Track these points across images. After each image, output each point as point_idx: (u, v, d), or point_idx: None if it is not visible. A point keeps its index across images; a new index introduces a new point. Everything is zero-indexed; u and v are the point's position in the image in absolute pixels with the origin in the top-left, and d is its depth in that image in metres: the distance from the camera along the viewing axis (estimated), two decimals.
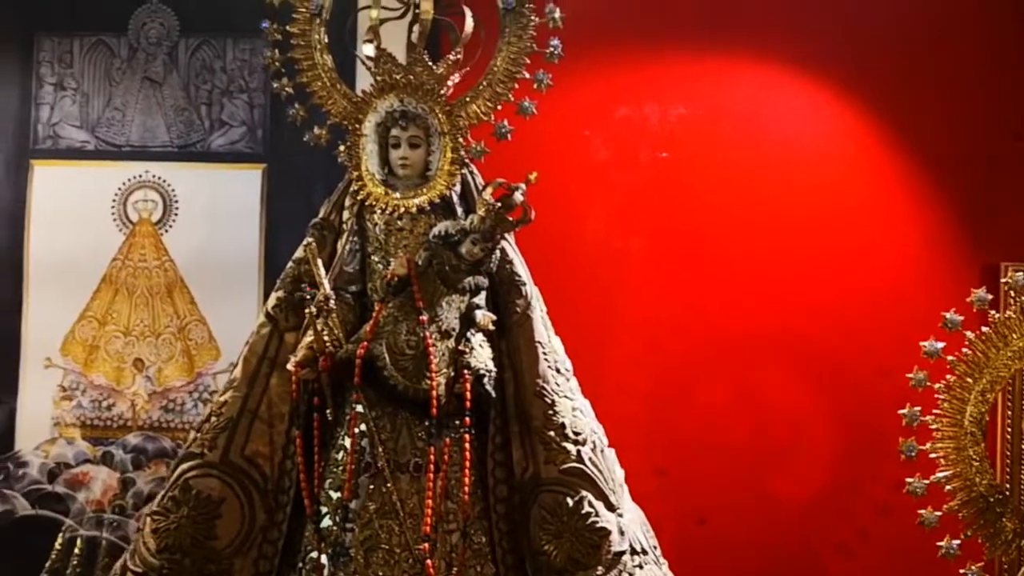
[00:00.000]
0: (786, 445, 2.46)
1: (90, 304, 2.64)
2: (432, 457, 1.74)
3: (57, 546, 2.53)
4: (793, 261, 2.48)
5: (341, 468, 1.82)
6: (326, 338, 1.79)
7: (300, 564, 1.82)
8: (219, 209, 2.61)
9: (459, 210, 1.90)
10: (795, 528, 2.46)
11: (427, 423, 1.79)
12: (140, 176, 2.62)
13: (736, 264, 2.48)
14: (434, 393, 1.74)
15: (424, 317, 1.77)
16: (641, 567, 1.79)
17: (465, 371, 1.77)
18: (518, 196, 1.81)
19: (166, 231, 2.63)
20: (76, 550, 2.53)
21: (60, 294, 2.63)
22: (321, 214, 1.96)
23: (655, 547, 1.86)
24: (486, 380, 1.79)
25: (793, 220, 2.49)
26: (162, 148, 2.62)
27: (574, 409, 1.83)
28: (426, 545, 1.72)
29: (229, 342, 2.62)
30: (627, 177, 2.53)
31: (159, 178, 2.62)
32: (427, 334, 1.76)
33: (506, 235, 1.86)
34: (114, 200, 2.62)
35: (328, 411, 1.81)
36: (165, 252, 2.64)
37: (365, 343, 1.76)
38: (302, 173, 2.59)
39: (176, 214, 2.62)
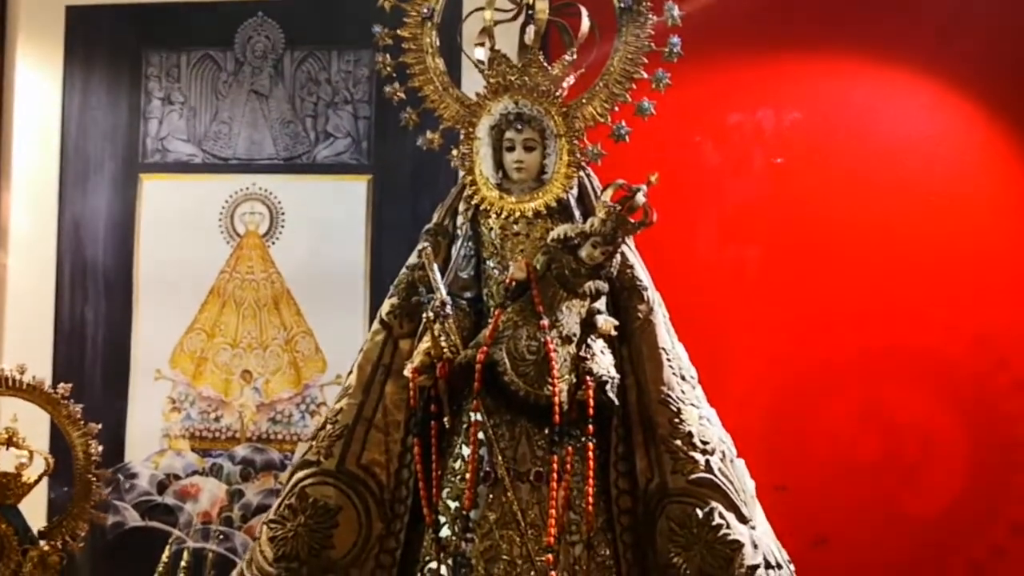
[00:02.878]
0: (915, 461, 2.35)
1: (198, 316, 2.65)
2: (555, 466, 1.68)
3: (164, 558, 2.53)
4: (921, 270, 2.37)
5: (459, 477, 1.77)
6: (443, 344, 1.74)
7: (418, 574, 1.78)
8: (325, 221, 2.61)
9: (576, 214, 1.85)
10: (924, 547, 2.33)
11: (547, 431, 1.73)
12: (247, 189, 2.63)
13: (860, 274, 2.38)
14: (556, 400, 1.68)
15: (545, 322, 1.71)
16: None
17: (587, 377, 1.71)
18: (640, 198, 1.75)
19: (273, 243, 2.64)
20: (183, 563, 2.52)
21: (169, 307, 2.65)
22: (434, 219, 1.92)
23: (788, 562, 1.78)
24: (609, 387, 1.73)
25: (920, 228, 2.38)
26: (268, 160, 2.63)
27: (701, 418, 1.76)
28: (550, 556, 1.66)
29: (336, 354, 2.61)
30: (741, 184, 2.45)
31: (265, 190, 2.63)
32: (548, 339, 1.70)
33: (627, 238, 1.80)
34: (221, 213, 2.64)
35: (445, 419, 1.77)
36: (272, 264, 2.64)
37: (485, 348, 1.71)
38: (407, 184, 2.57)
39: (282, 226, 2.63)
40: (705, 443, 1.73)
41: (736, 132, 2.46)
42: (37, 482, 2.10)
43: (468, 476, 1.70)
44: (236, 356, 2.64)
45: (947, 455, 2.34)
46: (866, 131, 2.43)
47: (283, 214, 2.62)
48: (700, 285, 2.38)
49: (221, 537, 2.57)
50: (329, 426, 1.84)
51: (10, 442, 2.08)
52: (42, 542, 2.04)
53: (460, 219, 1.89)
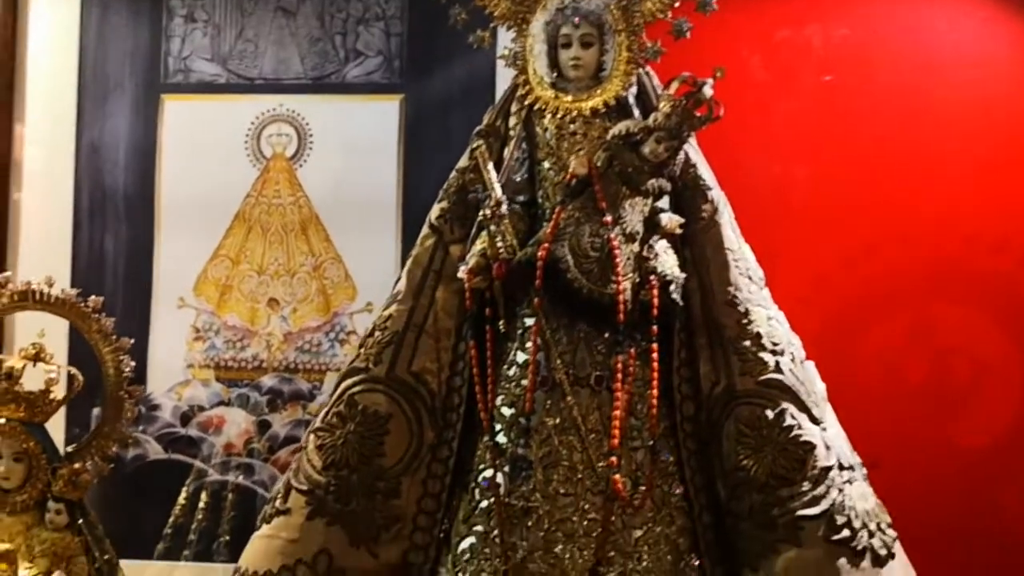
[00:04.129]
0: (966, 387, 2.28)
1: (223, 243, 2.56)
2: (619, 366, 1.61)
3: (185, 493, 2.47)
4: (973, 188, 2.29)
5: (514, 383, 1.70)
6: (499, 244, 1.67)
7: (473, 484, 1.71)
8: (355, 142, 2.51)
9: (635, 112, 1.77)
10: (975, 474, 2.27)
11: (608, 335, 1.66)
12: (273, 110, 2.54)
13: (909, 192, 2.30)
14: (621, 298, 1.61)
15: (608, 218, 1.64)
16: (850, 483, 1.64)
17: (651, 277, 1.64)
18: (707, 90, 1.68)
19: (300, 166, 2.55)
20: (204, 496, 2.45)
21: (192, 233, 2.56)
22: (485, 121, 1.84)
23: (861, 465, 1.71)
24: (673, 287, 1.66)
25: (970, 146, 2.30)
26: (296, 80, 2.54)
27: (769, 318, 1.69)
28: (613, 459, 1.59)
29: (366, 281, 2.52)
30: (788, 102, 2.37)
31: (293, 111, 2.54)
32: (612, 236, 1.62)
33: (691, 135, 1.72)
34: (247, 135, 2.54)
35: (500, 323, 1.70)
36: (299, 188, 2.55)
37: (546, 245, 1.63)
38: (441, 104, 2.48)
39: (310, 148, 2.54)
40: (775, 344, 1.66)
41: (784, 49, 2.38)
42: (66, 399, 2.02)
43: (529, 377, 1.63)
44: (262, 284, 2.55)
45: (1000, 380, 2.28)
46: (916, 48, 2.35)
47: (311, 136, 2.53)
48: (745, 204, 2.30)
49: (249, 469, 2.49)
50: (378, 333, 1.76)
51: (37, 358, 2.00)
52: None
53: (513, 120, 1.81)
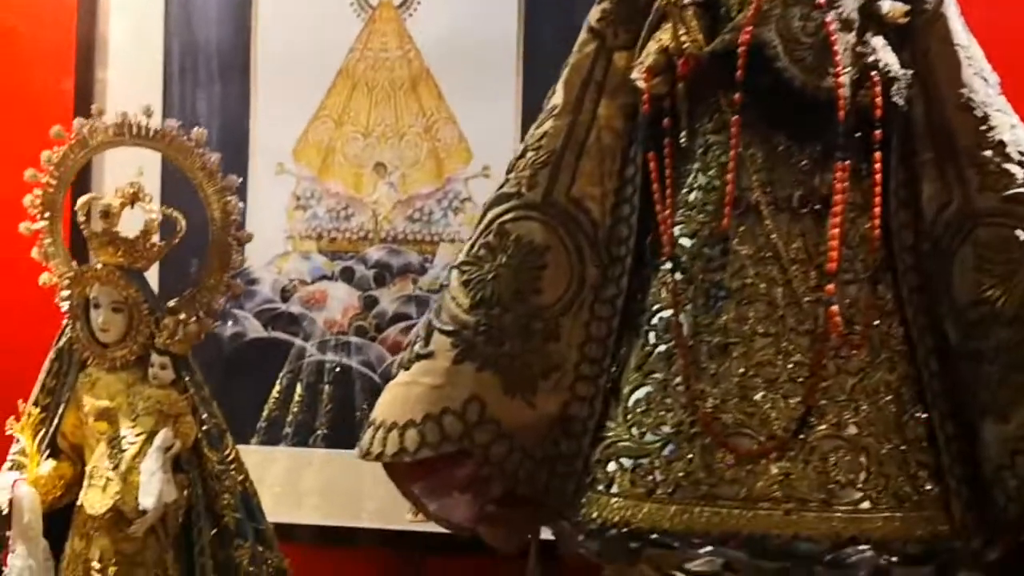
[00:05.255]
0: None
1: (325, 102, 2.31)
2: (839, 174, 1.34)
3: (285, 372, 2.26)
4: None
5: (695, 209, 1.45)
6: (684, 37, 1.40)
7: (646, 327, 1.46)
8: None
9: None
10: None
11: (809, 149, 1.40)
12: None
13: None
14: (841, 92, 1.34)
15: (822, 0, 1.36)
16: None
17: (872, 73, 1.37)
18: None
19: (410, 15, 2.29)
20: (306, 375, 2.25)
21: (291, 92, 2.30)
22: None
23: None
24: (896, 88, 1.39)
25: None
26: None
27: (1013, 126, 1.40)
28: (831, 287, 1.33)
29: (482, 143, 2.25)
30: None
31: None
32: (827, 20, 1.35)
33: None
34: None
35: (682, 135, 1.44)
36: (409, 40, 2.29)
37: (749, 28, 1.36)
38: None
39: None
40: (1022, 154, 1.39)
41: None
42: (169, 245, 1.81)
43: (728, 187, 1.37)
44: (368, 147, 2.30)
45: None
46: None
47: None
48: None
49: (356, 348, 2.27)
50: (531, 153, 1.51)
51: (135, 199, 1.78)
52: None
53: None
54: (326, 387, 2.26)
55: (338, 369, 2.25)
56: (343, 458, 2.20)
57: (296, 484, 2.24)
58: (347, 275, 2.29)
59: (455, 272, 1.50)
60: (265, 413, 2.27)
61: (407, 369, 1.49)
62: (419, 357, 1.47)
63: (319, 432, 2.26)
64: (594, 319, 1.48)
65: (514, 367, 1.44)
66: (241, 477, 1.79)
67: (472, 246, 1.51)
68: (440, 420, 1.43)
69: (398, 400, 1.47)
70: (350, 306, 2.28)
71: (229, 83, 2.35)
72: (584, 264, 1.48)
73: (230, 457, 1.79)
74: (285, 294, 2.30)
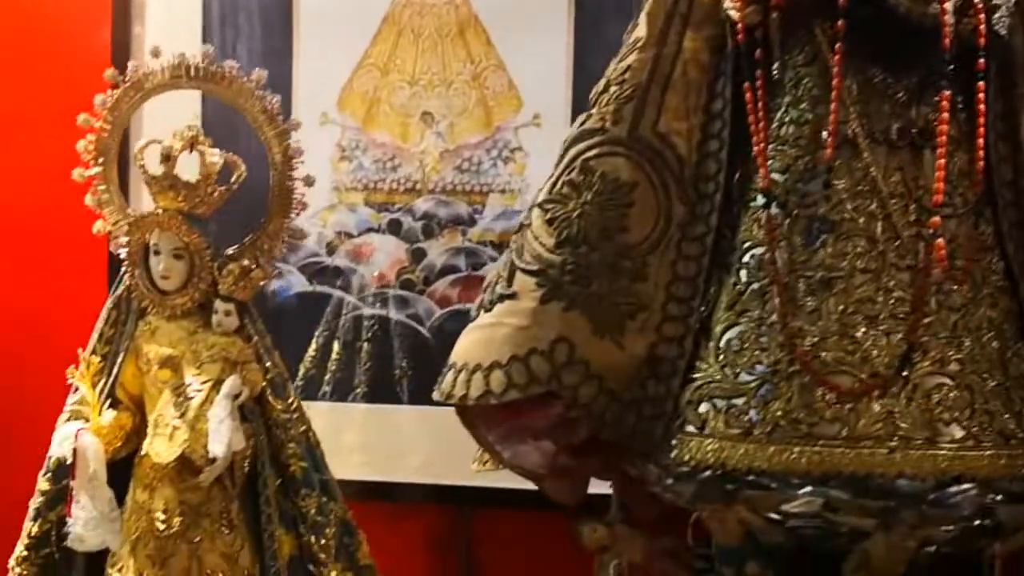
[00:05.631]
0: None
1: (370, 50, 2.25)
2: (945, 103, 1.30)
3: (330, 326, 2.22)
4: None
5: (788, 144, 1.40)
6: None
7: (737, 264, 1.43)
8: None
9: None
10: None
11: (907, 81, 1.36)
12: None
13: None
14: (946, 18, 1.29)
15: None
16: None
17: (976, 1, 1.32)
18: None
19: None
20: (351, 327, 2.20)
21: (335, 41, 2.24)
22: None
23: None
24: (998, 16, 1.34)
25: None
26: None
27: None
28: (937, 219, 1.29)
29: (532, 90, 2.19)
30: None
31: None
32: None
33: None
34: None
35: (774, 67, 1.40)
36: None
37: None
38: None
39: None
40: None
41: None
42: (230, 191, 1.76)
43: (831, 116, 1.32)
44: (415, 96, 2.25)
45: None
46: None
47: None
48: None
49: (403, 302, 2.22)
50: (615, 88, 1.45)
51: (195, 143, 1.74)
52: None
53: None
54: (368, 343, 2.22)
55: (384, 323, 2.21)
56: (385, 413, 2.18)
57: (342, 440, 2.20)
58: (394, 227, 2.25)
59: (537, 211, 1.46)
60: (303, 369, 2.23)
61: (488, 310, 1.45)
62: (502, 298, 1.43)
63: (359, 389, 2.23)
64: (681, 258, 1.44)
65: (602, 307, 1.40)
66: (304, 427, 1.76)
67: (554, 184, 1.46)
68: (527, 361, 1.39)
69: (481, 342, 1.43)
70: (397, 259, 2.23)
71: (271, 32, 2.28)
72: (671, 201, 1.44)
73: (294, 406, 1.76)
74: (330, 247, 2.26)
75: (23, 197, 2.30)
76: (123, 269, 1.76)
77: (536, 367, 1.39)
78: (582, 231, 1.42)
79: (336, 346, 2.22)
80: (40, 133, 2.27)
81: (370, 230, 2.24)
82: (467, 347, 1.45)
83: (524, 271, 1.43)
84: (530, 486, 2.05)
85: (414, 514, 2.17)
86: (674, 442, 1.39)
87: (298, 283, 2.26)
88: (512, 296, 1.43)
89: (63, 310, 2.25)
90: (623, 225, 1.42)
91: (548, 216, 1.43)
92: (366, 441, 2.20)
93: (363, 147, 2.27)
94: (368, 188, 2.26)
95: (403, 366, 2.20)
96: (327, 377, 2.21)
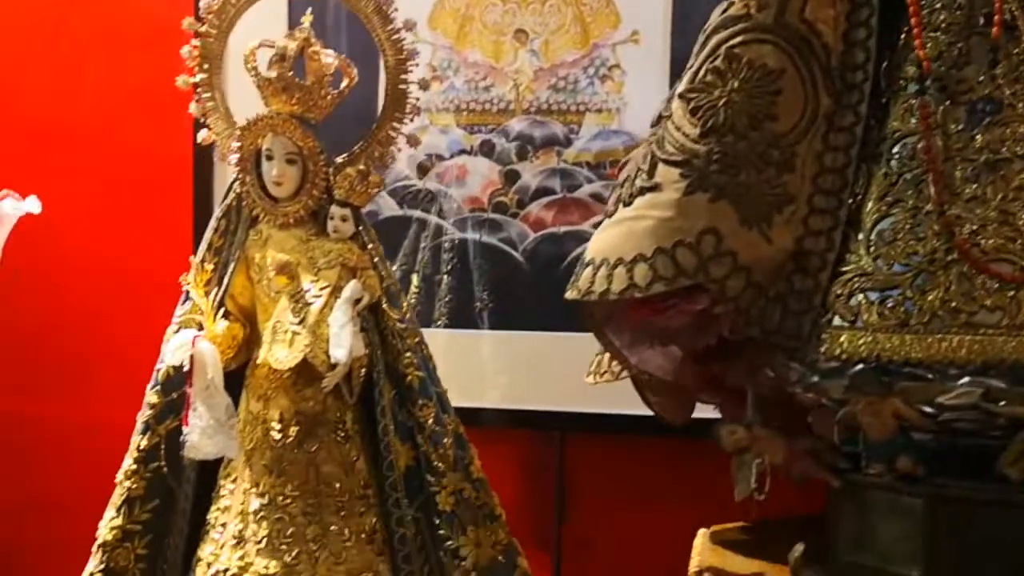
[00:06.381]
0: None
1: None
2: None
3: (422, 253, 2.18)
4: None
5: (940, 30, 1.34)
6: None
7: (887, 154, 1.36)
8: None
9: None
10: None
11: None
12: None
13: None
14: None
15: None
16: None
17: None
18: None
19: None
20: (444, 254, 2.17)
21: None
22: None
23: None
24: None
25: None
26: None
27: None
28: None
29: (630, 5, 2.13)
30: None
31: None
32: None
33: None
34: None
35: None
36: None
37: None
38: None
39: None
40: None
41: None
42: (342, 95, 1.72)
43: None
44: (508, 12, 2.20)
45: None
46: None
47: None
48: None
49: (495, 225, 2.18)
50: None
51: (307, 44, 1.69)
52: None
53: None
54: (458, 268, 2.19)
55: (475, 248, 2.18)
56: (471, 339, 2.15)
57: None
58: (487, 149, 2.21)
59: (678, 101, 1.41)
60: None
61: (628, 204, 1.40)
62: (643, 191, 1.39)
63: (442, 315, 2.19)
64: (828, 149, 1.39)
65: (750, 198, 1.36)
66: (418, 339, 1.73)
67: (696, 72, 1.41)
68: (673, 253, 1.35)
69: (622, 236, 1.39)
70: (490, 181, 2.19)
71: None
72: (817, 91, 1.39)
73: (408, 316, 1.72)
74: (422, 170, 2.22)
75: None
76: (232, 177, 1.73)
77: (683, 259, 1.35)
78: (728, 120, 1.37)
79: (422, 271, 2.19)
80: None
81: (462, 152, 2.20)
82: (606, 242, 1.41)
83: (667, 162, 1.39)
84: (623, 410, 2.05)
85: (505, 439, 2.15)
86: (824, 336, 1.35)
87: (388, 207, 2.23)
88: (654, 188, 1.38)
89: (148, 247, 2.25)
90: (771, 113, 1.37)
91: (691, 106, 1.39)
92: (450, 367, 2.18)
93: (455, 67, 2.22)
94: (460, 109, 2.21)
95: (493, 291, 2.16)
96: (412, 301, 2.18)
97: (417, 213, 2.22)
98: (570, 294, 1.45)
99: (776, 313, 1.38)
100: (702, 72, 1.40)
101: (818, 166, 1.39)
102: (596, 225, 2.14)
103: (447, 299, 2.18)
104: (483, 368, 2.17)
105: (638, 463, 2.09)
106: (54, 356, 2.29)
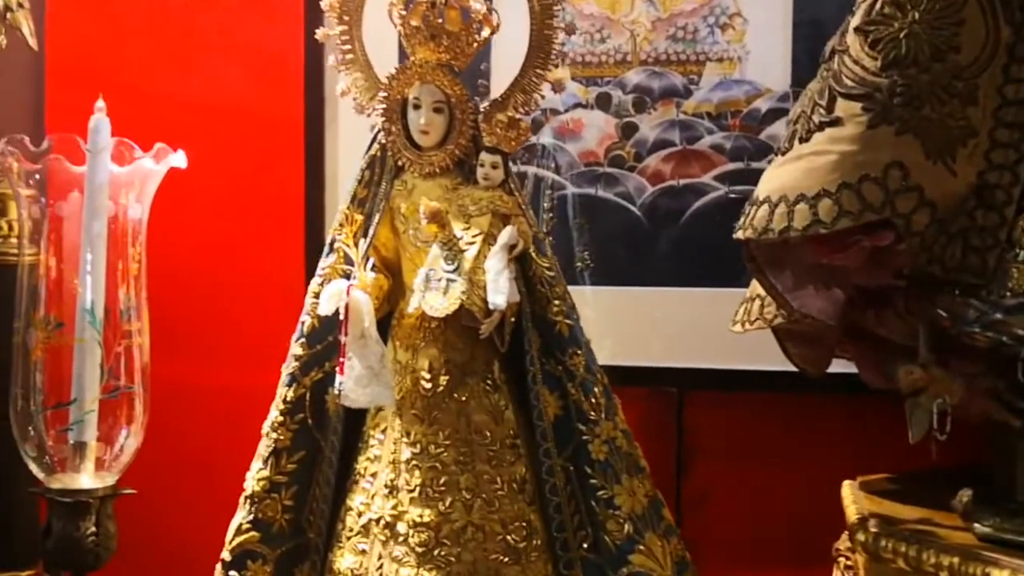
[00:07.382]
0: None
1: None
2: None
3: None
4: None
5: None
6: None
7: None
8: None
9: None
10: None
11: None
12: None
13: None
14: None
15: None
16: None
17: None
18: None
19: None
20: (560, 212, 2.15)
21: None
22: None
23: None
24: None
25: None
26: None
27: None
28: None
29: None
30: None
31: None
32: None
33: None
34: None
35: None
36: None
37: None
38: None
39: None
40: None
41: None
42: (485, 42, 1.71)
43: None
44: None
45: None
46: None
47: None
48: None
49: (613, 180, 2.16)
50: None
51: None
52: None
53: None
54: (577, 222, 2.17)
55: (592, 202, 2.16)
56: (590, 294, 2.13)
57: None
58: (603, 102, 2.18)
59: (854, 35, 1.38)
60: None
61: (805, 140, 1.38)
62: (822, 125, 1.36)
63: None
64: (1010, 82, 1.36)
65: (934, 130, 1.33)
66: (564, 287, 1.71)
67: (872, 6, 1.38)
68: (859, 188, 1.32)
69: (800, 172, 1.36)
70: (607, 135, 2.17)
71: None
72: (998, 21, 1.36)
73: (555, 264, 1.71)
74: (537, 125, 2.20)
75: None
76: (376, 128, 1.72)
77: (869, 194, 1.32)
78: (911, 51, 1.34)
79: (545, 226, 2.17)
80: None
81: (577, 105, 2.18)
82: (783, 179, 1.38)
83: (846, 96, 1.36)
84: (741, 366, 2.03)
85: (624, 397, 2.14)
86: (1014, 271, 1.32)
87: None
88: (834, 123, 1.35)
89: (262, 210, 2.25)
90: (954, 44, 1.34)
91: (871, 39, 1.35)
92: None
93: (570, 18, 2.20)
94: (575, 62, 2.18)
95: (612, 246, 2.15)
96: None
97: (532, 168, 2.21)
98: (743, 234, 1.42)
99: (957, 250, 1.36)
100: (879, 4, 1.37)
101: (1000, 99, 1.36)
102: (717, 178, 2.20)
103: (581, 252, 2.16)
104: (599, 323, 2.15)
105: (760, 420, 2.07)
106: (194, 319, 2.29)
